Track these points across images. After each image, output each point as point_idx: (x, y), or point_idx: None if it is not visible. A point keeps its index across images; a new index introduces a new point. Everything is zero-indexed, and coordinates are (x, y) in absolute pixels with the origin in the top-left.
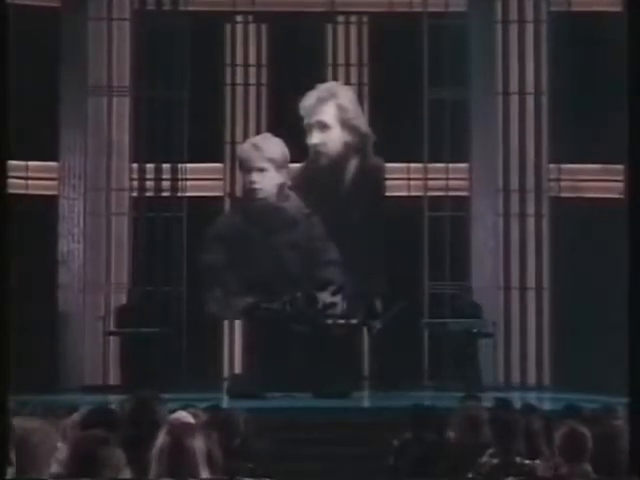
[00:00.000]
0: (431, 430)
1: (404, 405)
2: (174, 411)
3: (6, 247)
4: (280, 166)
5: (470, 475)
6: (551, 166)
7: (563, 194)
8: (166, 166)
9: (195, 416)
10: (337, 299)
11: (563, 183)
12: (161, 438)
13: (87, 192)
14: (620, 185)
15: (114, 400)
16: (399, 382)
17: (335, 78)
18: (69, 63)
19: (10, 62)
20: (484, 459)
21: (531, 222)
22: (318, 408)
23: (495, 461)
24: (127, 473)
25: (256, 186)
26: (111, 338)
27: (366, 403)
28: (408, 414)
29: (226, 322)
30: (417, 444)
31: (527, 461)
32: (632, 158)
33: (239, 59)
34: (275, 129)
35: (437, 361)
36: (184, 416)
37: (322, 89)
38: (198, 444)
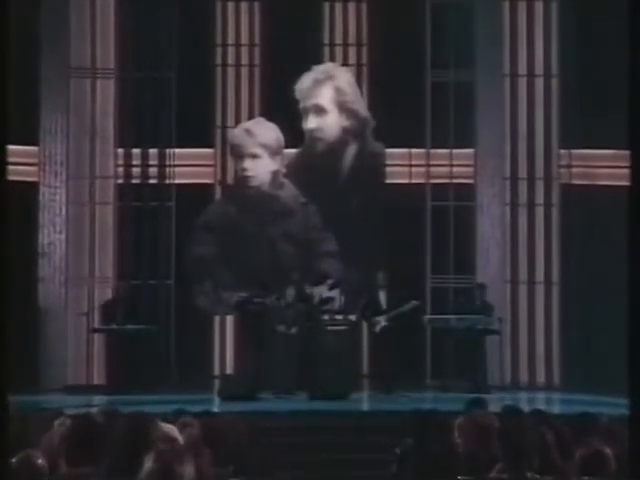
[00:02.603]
0: (435, 438)
1: (405, 409)
2: (164, 418)
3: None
4: (274, 152)
5: None
6: (561, 152)
7: (574, 181)
8: (153, 151)
9: (186, 425)
10: (334, 294)
11: (574, 170)
12: (148, 464)
13: (69, 179)
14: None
15: (99, 402)
16: (400, 382)
17: (332, 59)
18: (50, 42)
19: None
20: (493, 474)
21: (540, 212)
22: (315, 411)
23: (505, 477)
24: None
25: (249, 173)
26: (95, 335)
27: (365, 406)
28: (410, 419)
29: (217, 318)
30: (420, 453)
31: (538, 476)
32: (634, 146)
33: (231, 38)
34: (269, 113)
35: (440, 360)
36: (171, 430)
37: (319, 71)
38: (187, 470)
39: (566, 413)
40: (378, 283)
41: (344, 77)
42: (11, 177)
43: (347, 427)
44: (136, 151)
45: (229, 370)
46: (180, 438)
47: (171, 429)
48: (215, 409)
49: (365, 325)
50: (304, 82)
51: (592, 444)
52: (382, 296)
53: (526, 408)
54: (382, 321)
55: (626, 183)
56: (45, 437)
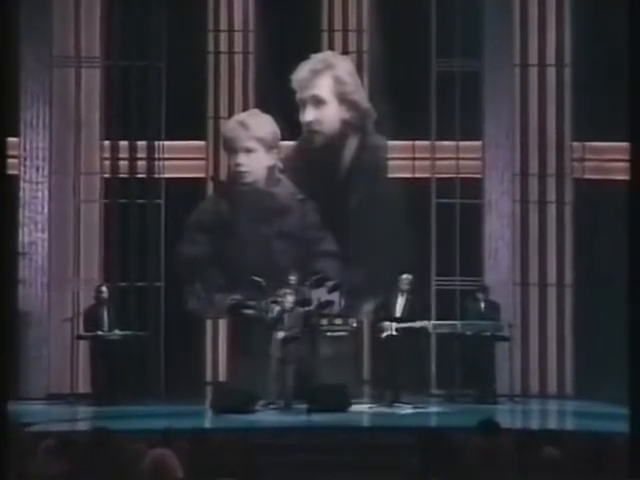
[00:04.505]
0: (443, 461)
1: (409, 425)
2: (153, 441)
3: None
4: (270, 146)
5: None
6: (574, 144)
7: (587, 175)
8: (141, 144)
9: (175, 453)
10: (334, 297)
11: (588, 163)
12: None
13: (52, 175)
14: None
15: (84, 414)
16: (403, 391)
17: (331, 46)
18: (30, 29)
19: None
20: None
21: (552, 210)
22: (314, 428)
23: None
24: None
25: (243, 169)
26: (80, 342)
27: (367, 421)
28: (416, 438)
29: (209, 322)
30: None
31: None
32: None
33: (223, 24)
34: (264, 104)
35: (446, 368)
36: (167, 455)
37: (317, 59)
38: None
39: (581, 431)
40: (403, 287)
41: (344, 66)
42: None
43: (348, 444)
44: (123, 144)
45: (221, 377)
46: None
47: (166, 454)
48: (207, 424)
49: (367, 331)
50: (301, 71)
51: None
52: (400, 301)
53: (537, 420)
54: (391, 329)
55: None
56: (29, 465)
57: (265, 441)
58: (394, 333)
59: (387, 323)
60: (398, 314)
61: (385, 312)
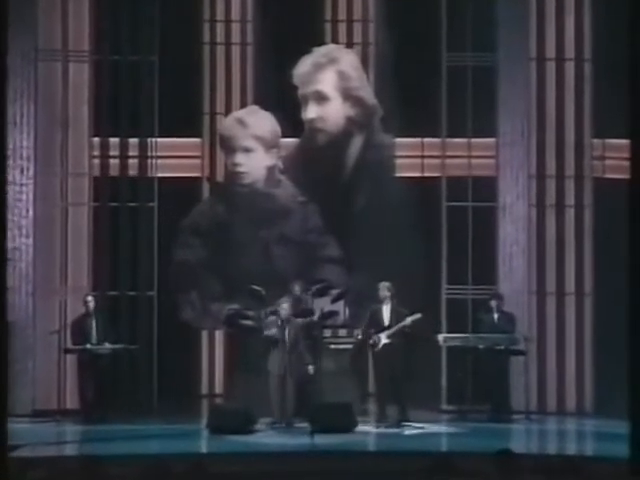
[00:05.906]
0: None
1: (418, 449)
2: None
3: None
4: (270, 145)
5: None
6: (594, 141)
7: (608, 175)
8: (133, 142)
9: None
10: (338, 306)
11: (608, 162)
12: None
13: (37, 176)
14: None
15: (73, 435)
16: (411, 408)
17: (335, 38)
18: (15, 21)
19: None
20: None
21: (570, 214)
22: (316, 452)
23: None
24: None
25: (241, 169)
26: (68, 355)
27: (373, 444)
28: (424, 464)
29: (205, 333)
30: None
31: None
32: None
33: (220, 14)
34: (263, 100)
35: (457, 383)
36: None
37: (319, 53)
38: None
39: (604, 457)
40: (383, 294)
41: (348, 60)
42: None
43: (352, 470)
44: (114, 142)
45: (218, 393)
46: None
47: None
48: (203, 447)
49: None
50: (303, 66)
51: None
52: (385, 310)
53: (555, 442)
54: (383, 338)
55: None
56: None
57: (265, 466)
58: (387, 341)
59: (380, 335)
60: (386, 323)
61: (375, 324)
